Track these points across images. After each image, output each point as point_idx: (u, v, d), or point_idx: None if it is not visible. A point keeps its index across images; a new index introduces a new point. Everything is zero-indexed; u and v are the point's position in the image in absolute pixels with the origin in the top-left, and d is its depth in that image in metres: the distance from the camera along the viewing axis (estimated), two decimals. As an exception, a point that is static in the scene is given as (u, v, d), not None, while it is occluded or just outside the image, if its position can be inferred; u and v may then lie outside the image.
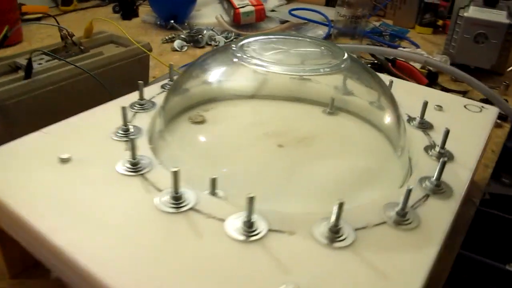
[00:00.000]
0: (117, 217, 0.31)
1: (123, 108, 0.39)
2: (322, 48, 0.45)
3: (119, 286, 0.26)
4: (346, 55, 0.42)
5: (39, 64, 0.56)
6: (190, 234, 0.30)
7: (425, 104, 0.46)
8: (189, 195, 0.33)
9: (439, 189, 0.36)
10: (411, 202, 0.34)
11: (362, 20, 0.91)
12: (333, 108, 0.49)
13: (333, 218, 0.30)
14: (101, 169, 0.36)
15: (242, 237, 0.29)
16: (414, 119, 0.47)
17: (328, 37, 0.94)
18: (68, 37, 0.59)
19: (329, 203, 0.30)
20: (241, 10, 0.95)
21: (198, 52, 0.89)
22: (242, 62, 0.40)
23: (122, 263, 0.27)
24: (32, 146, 0.38)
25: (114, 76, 0.59)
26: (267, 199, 0.36)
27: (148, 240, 0.29)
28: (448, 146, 0.41)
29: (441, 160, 0.36)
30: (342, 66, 0.41)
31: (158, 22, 1.01)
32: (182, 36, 0.92)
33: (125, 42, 0.67)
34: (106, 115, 0.42)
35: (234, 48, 0.41)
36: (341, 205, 0.29)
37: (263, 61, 0.40)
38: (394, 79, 0.52)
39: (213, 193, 0.35)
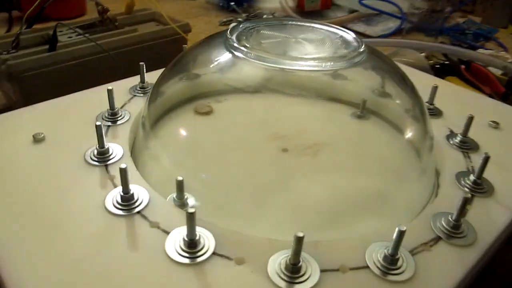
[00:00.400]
0: (59, 211, 0.28)
1: (109, 91, 0.36)
2: (335, 36, 0.38)
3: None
4: (363, 46, 0.35)
5: (69, 37, 0.55)
6: (125, 243, 0.26)
7: (470, 119, 0.37)
8: (143, 196, 0.29)
9: (458, 232, 0.28)
10: (412, 244, 0.27)
11: (442, 15, 0.80)
12: (363, 111, 0.42)
13: (291, 252, 0.24)
14: (70, 154, 0.33)
15: (177, 257, 0.25)
16: (456, 135, 0.38)
17: (399, 31, 0.84)
18: (103, 12, 0.58)
19: (314, 230, 0.25)
20: (306, -5, 0.89)
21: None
22: (241, 56, 0.34)
23: (33, 261, 0.24)
24: (15, 121, 0.37)
25: (146, 55, 0.56)
26: (241, 213, 0.31)
27: (78, 240, 0.26)
28: (490, 175, 0.33)
29: (463, 196, 0.27)
30: (357, 60, 0.34)
31: (221, 4, 0.98)
32: (239, 19, 0.88)
33: (166, 21, 0.65)
34: (103, 96, 0.39)
35: (230, 37, 0.35)
36: (299, 239, 0.23)
37: (263, 54, 0.33)
38: (442, 83, 0.44)
39: (180, 197, 0.31)
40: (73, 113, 0.38)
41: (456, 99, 0.45)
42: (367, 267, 0.25)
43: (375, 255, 0.26)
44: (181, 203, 0.31)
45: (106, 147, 0.32)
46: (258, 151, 0.38)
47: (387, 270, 0.25)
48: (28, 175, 0.31)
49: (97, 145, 0.32)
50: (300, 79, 0.40)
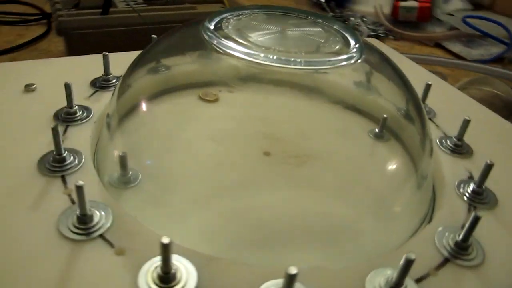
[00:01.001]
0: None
1: (67, 86, 0.32)
2: (325, 28, 0.33)
3: None
4: (359, 41, 0.30)
5: (127, 5, 0.57)
6: (86, 276, 0.21)
7: (466, 122, 0.33)
8: (105, 212, 0.24)
9: (465, 253, 0.24)
10: (418, 272, 0.23)
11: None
12: (382, 130, 0.36)
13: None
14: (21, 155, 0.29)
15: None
16: (449, 138, 0.35)
17: (500, 59, 0.73)
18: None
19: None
20: (402, 3, 0.81)
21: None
22: (219, 49, 0.30)
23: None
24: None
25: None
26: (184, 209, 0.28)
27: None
28: (493, 184, 0.30)
29: (473, 214, 0.23)
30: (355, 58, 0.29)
31: None
32: (323, 17, 0.83)
33: (232, 4, 0.63)
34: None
35: (208, 27, 0.31)
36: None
37: (246, 47, 0.29)
38: (436, 80, 0.37)
39: (123, 173, 0.29)
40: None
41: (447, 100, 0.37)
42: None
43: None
44: (126, 180, 0.29)
45: (64, 153, 0.28)
46: (237, 146, 0.35)
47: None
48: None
49: (54, 151, 0.28)
50: (308, 78, 0.35)
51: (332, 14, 0.85)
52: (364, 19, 0.84)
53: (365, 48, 0.32)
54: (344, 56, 0.30)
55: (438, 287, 0.22)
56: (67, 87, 0.32)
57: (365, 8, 0.89)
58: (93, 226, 0.23)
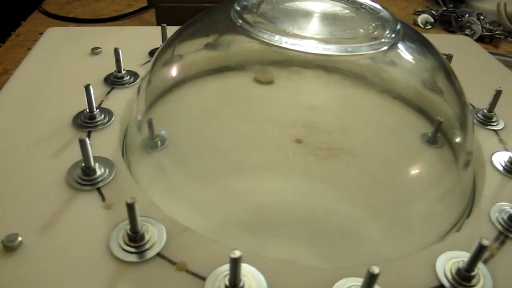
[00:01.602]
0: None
1: (87, 89, 0.30)
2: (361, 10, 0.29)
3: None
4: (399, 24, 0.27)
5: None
6: None
7: (498, 93, 0.32)
8: (157, 228, 0.23)
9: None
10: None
11: None
12: (436, 135, 0.32)
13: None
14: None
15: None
16: (479, 111, 0.35)
17: None
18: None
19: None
20: (530, 2, 0.70)
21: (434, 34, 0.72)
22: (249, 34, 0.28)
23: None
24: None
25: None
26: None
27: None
28: None
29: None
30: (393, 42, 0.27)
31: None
32: (433, 11, 0.76)
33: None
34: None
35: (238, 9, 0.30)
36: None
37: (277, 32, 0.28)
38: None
39: (151, 137, 0.30)
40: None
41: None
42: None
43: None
44: (153, 144, 0.30)
45: (93, 165, 0.26)
46: (271, 130, 0.33)
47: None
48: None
49: (82, 163, 0.26)
50: (360, 66, 0.33)
51: (444, 9, 0.77)
52: (482, 17, 0.75)
53: (407, 34, 0.28)
54: (381, 41, 0.27)
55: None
56: (87, 90, 0.30)
57: (486, 5, 0.80)
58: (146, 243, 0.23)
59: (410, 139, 0.34)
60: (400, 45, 0.28)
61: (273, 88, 0.38)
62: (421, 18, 0.75)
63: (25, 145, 0.29)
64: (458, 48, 0.47)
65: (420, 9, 0.80)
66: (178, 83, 0.32)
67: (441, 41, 0.49)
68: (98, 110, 0.31)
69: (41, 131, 0.30)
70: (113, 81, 0.35)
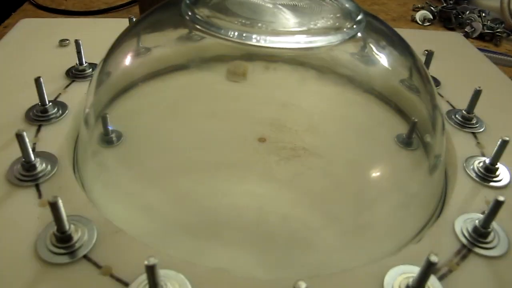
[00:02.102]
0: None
1: (37, 81, 0.29)
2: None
3: None
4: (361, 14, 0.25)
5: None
6: None
7: (477, 93, 0.30)
8: (88, 229, 0.22)
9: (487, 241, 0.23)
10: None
11: None
12: (411, 136, 0.30)
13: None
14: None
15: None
16: (457, 112, 0.32)
17: None
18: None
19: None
20: (535, -1, 0.67)
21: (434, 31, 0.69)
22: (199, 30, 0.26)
23: None
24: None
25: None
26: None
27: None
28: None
29: (494, 200, 0.21)
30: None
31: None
32: (432, 7, 0.73)
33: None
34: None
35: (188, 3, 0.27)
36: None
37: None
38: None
39: (106, 133, 0.29)
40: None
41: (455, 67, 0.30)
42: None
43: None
44: (108, 139, 0.29)
45: (33, 160, 0.25)
46: (234, 128, 0.32)
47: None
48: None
49: (22, 158, 0.25)
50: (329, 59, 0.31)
51: (443, 5, 0.74)
52: (483, 14, 0.72)
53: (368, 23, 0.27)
54: (344, 32, 0.25)
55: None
56: (37, 82, 0.29)
57: (490, 2, 0.77)
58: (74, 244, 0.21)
59: (383, 140, 0.32)
60: (362, 37, 0.26)
61: (243, 84, 0.37)
62: (419, 15, 0.73)
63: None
64: (447, 45, 0.44)
65: (419, 5, 0.77)
66: (135, 79, 0.30)
67: (430, 37, 0.47)
68: (50, 103, 0.30)
69: (-9, 124, 0.29)
70: (74, 74, 0.34)
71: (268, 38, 0.24)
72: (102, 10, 0.68)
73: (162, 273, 0.19)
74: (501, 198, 0.21)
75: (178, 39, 0.29)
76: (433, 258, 0.18)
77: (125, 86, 0.30)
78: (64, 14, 0.67)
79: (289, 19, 0.26)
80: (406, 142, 0.31)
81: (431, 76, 0.38)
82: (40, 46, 0.38)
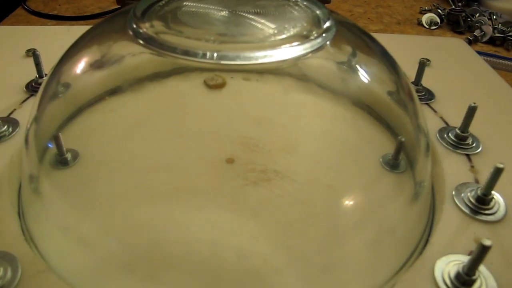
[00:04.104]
0: None
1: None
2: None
3: None
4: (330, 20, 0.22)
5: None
6: None
7: (472, 110, 0.26)
8: (12, 267, 0.20)
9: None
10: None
11: None
12: (397, 157, 0.27)
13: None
14: None
15: None
16: (451, 130, 0.29)
17: None
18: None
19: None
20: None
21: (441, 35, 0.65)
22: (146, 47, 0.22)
23: None
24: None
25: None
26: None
27: None
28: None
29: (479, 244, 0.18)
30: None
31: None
32: (440, 10, 0.69)
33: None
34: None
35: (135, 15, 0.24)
36: None
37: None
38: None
39: (60, 153, 0.26)
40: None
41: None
42: None
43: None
44: (63, 160, 0.26)
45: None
46: (202, 147, 0.29)
47: None
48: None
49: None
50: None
51: (452, 7, 0.70)
52: (494, 16, 0.68)
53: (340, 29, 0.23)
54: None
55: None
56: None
57: (502, 4, 0.72)
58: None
59: (367, 160, 0.29)
60: (331, 47, 0.23)
61: (217, 98, 0.34)
62: (425, 18, 0.69)
63: None
64: (447, 52, 0.41)
65: (426, 8, 0.73)
66: (86, 94, 0.27)
67: (430, 44, 0.43)
68: (0, 121, 0.28)
69: None
70: (34, 87, 0.32)
71: (217, 54, 0.20)
72: (95, 15, 0.66)
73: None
74: (487, 243, 0.18)
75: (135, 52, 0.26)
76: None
77: (78, 101, 0.27)
78: (56, 19, 0.66)
79: (252, 28, 0.23)
80: (392, 164, 0.27)
81: (425, 88, 0.34)
82: (5, 56, 0.36)
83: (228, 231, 0.23)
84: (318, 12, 0.24)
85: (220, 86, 0.35)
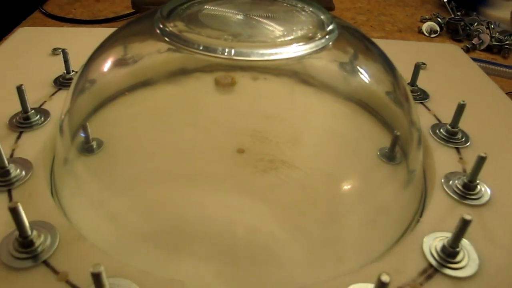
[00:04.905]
0: None
1: (19, 89, 0.29)
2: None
3: None
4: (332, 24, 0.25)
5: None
6: None
7: (461, 107, 0.29)
8: (51, 235, 0.22)
9: (455, 261, 0.22)
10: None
11: None
12: (394, 150, 0.30)
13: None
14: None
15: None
16: (442, 126, 0.32)
17: None
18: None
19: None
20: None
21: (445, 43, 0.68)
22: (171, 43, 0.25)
23: None
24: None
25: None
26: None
27: None
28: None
29: (461, 218, 0.21)
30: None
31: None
32: (440, 19, 0.72)
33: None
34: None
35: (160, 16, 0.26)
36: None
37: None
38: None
39: (87, 142, 0.29)
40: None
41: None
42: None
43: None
44: (89, 147, 0.29)
45: (7, 166, 0.25)
46: (214, 138, 0.32)
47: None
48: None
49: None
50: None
51: (451, 16, 0.73)
52: (492, 26, 0.70)
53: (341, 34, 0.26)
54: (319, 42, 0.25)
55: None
56: (19, 90, 0.30)
57: (500, 14, 0.75)
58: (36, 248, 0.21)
59: (365, 153, 0.31)
60: (334, 48, 0.25)
61: (229, 95, 0.37)
62: (426, 26, 0.72)
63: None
64: (443, 57, 0.44)
65: (426, 17, 0.76)
66: (114, 88, 0.30)
67: (426, 49, 0.46)
68: (33, 110, 0.30)
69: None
70: (61, 82, 0.35)
71: (234, 50, 0.23)
72: (110, 19, 0.69)
73: (116, 282, 0.20)
74: (468, 217, 0.21)
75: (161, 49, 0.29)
76: (384, 278, 0.17)
77: (104, 95, 0.30)
78: (71, 23, 0.69)
79: (263, 30, 0.26)
80: (389, 156, 0.30)
81: (420, 88, 0.37)
82: (33, 54, 0.39)
83: (240, 210, 0.26)
84: (322, 17, 0.27)
85: (231, 85, 0.38)
